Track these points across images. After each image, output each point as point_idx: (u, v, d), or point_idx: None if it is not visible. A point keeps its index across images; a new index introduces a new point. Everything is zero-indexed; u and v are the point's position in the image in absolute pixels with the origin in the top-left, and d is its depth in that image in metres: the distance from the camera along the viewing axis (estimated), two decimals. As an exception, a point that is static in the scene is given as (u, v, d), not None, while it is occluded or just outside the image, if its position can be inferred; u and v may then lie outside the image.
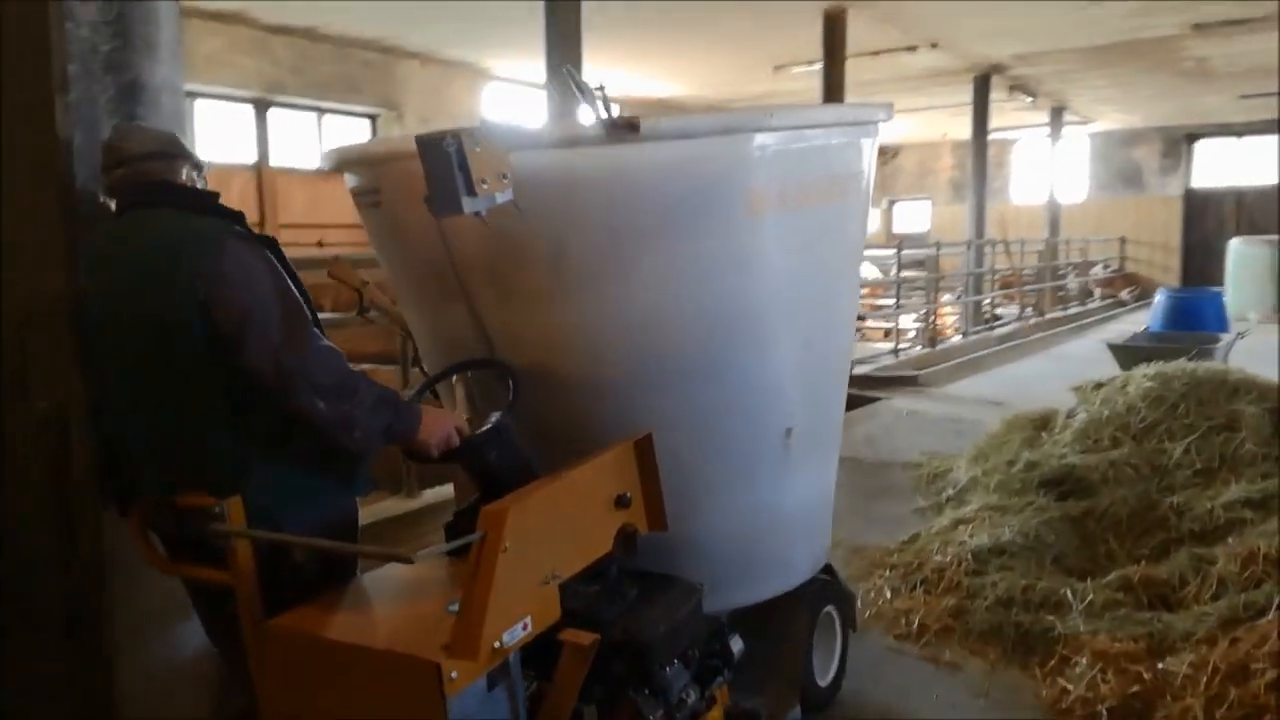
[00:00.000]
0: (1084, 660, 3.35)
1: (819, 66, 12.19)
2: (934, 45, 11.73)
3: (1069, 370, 10.01)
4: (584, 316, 2.61)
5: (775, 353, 2.81)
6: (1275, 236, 17.15)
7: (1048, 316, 15.77)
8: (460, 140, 2.12)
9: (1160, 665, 3.22)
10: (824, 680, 3.26)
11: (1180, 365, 5.15)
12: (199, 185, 2.46)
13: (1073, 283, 18.87)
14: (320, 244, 10.90)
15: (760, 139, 2.60)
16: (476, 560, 1.92)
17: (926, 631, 3.90)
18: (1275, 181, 19.82)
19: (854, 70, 10.76)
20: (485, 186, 2.17)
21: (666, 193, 2.53)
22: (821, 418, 3.07)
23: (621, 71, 13.22)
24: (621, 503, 2.39)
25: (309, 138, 12.29)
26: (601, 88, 2.59)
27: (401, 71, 12.38)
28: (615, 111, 2.60)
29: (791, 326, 2.83)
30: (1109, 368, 9.97)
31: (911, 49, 11.75)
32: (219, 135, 11.31)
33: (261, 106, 11.61)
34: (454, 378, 2.70)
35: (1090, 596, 3.79)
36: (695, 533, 2.69)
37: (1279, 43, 11.70)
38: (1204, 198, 20.81)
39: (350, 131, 12.47)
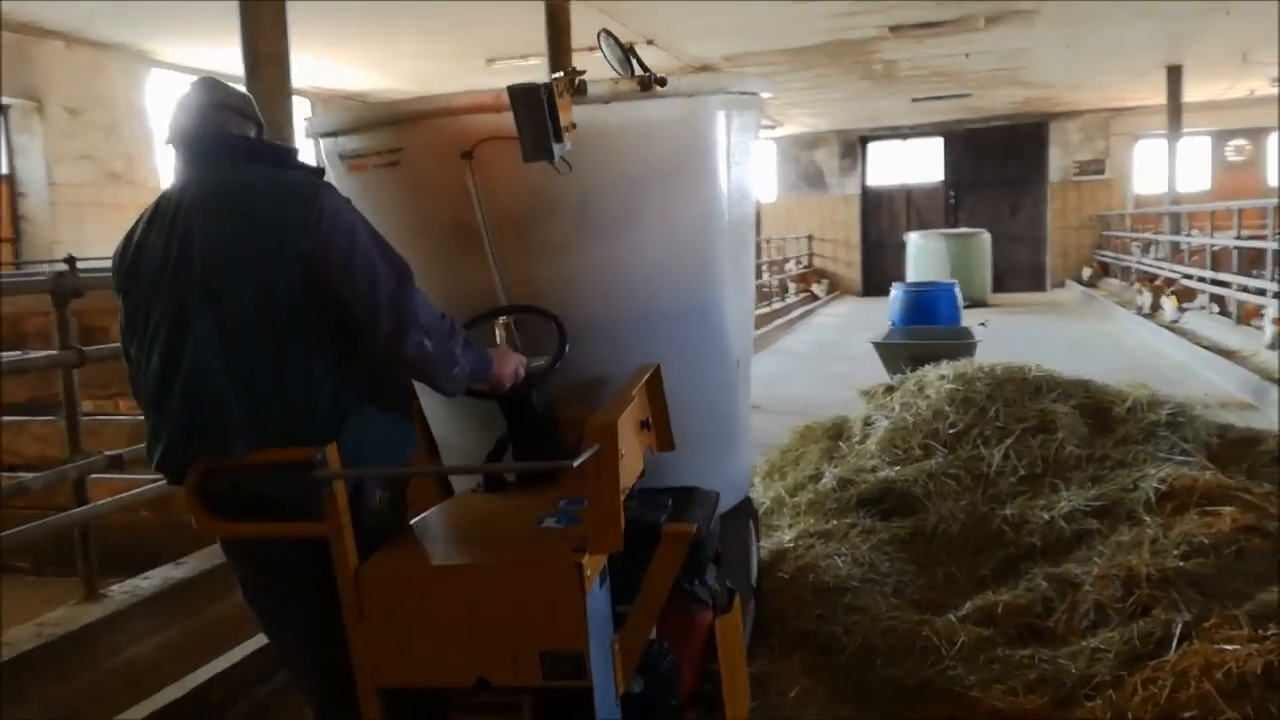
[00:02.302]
0: (983, 723, 2.88)
1: (533, 61, 11.57)
2: (650, 42, 11.41)
3: (815, 370, 10.06)
4: (603, 263, 2.91)
5: (726, 296, 3.24)
6: (945, 230, 18.66)
7: (756, 313, 16.08)
8: (551, 89, 2.35)
9: (1075, 723, 2.80)
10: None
11: (977, 364, 4.93)
12: None
13: (772, 279, 19.53)
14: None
15: (724, 98, 3.02)
16: (598, 467, 2.12)
17: (784, 699, 3.32)
18: (940, 179, 21.61)
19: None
20: (567, 134, 2.40)
21: (678, 144, 2.93)
22: (746, 353, 3.63)
23: (320, 61, 11.86)
24: (645, 426, 2.66)
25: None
26: (633, 47, 2.94)
27: (41, 54, 10.31)
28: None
29: (734, 273, 3.29)
30: (847, 365, 10.23)
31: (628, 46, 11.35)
32: None
33: None
34: (499, 320, 2.85)
35: (961, 638, 3.36)
36: (683, 449, 2.86)
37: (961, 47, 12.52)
38: (878, 196, 22.31)
39: (-28, 126, 10.26)
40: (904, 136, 21.84)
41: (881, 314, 15.83)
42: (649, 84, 2.71)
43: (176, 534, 5.30)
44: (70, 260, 3.94)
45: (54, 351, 3.85)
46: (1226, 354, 9.16)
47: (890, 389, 5.19)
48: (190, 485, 2.28)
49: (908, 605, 3.74)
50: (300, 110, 13.96)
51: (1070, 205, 20.83)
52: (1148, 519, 3.70)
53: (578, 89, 2.55)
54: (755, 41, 12.01)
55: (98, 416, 5.88)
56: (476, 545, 2.49)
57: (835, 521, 4.32)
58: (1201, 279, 11.46)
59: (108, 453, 3.89)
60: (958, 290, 8.09)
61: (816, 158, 22.22)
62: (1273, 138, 19.50)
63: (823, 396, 8.03)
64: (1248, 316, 10.22)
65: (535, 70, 11.58)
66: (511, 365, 2.58)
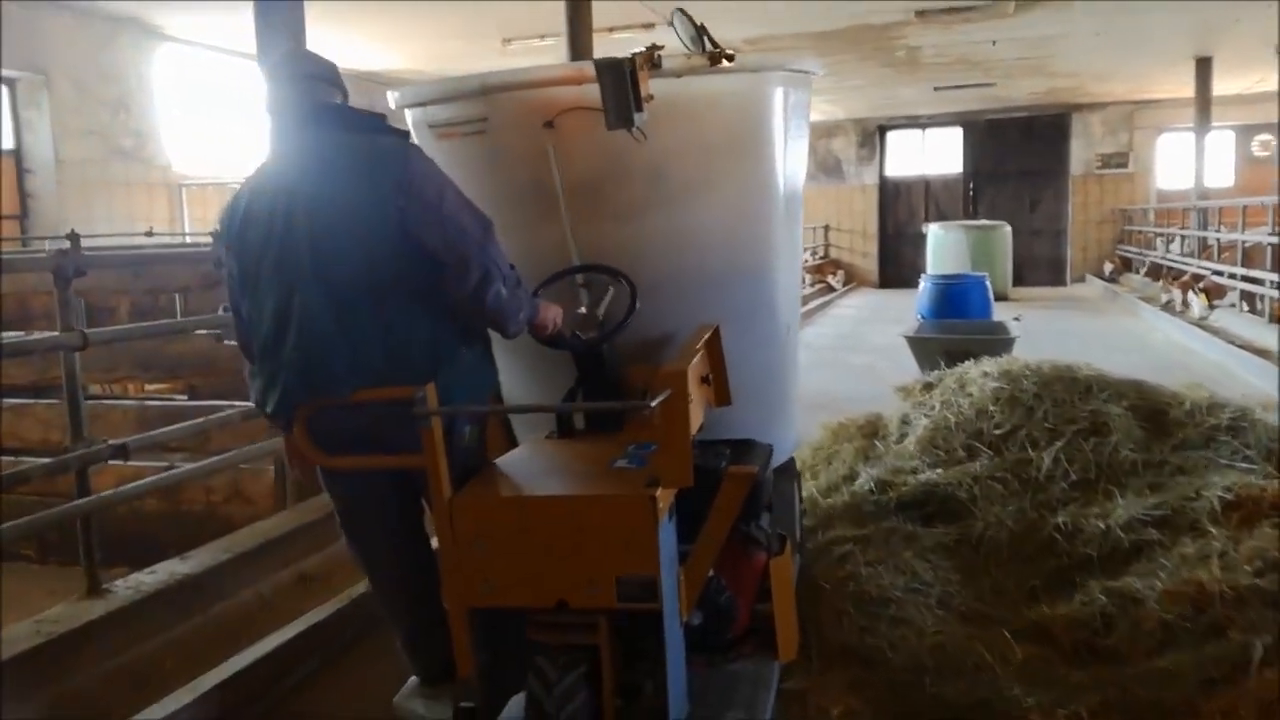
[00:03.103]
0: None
1: (550, 42, 11.33)
2: (671, 24, 11.13)
3: (837, 362, 9.81)
4: (672, 226, 3.13)
5: (779, 263, 3.44)
6: (965, 221, 18.36)
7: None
8: (634, 63, 2.55)
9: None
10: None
11: (1022, 361, 4.69)
12: None
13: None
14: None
15: (784, 75, 3.28)
16: (669, 409, 2.31)
17: (827, 718, 3.10)
18: (959, 170, 21.29)
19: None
20: (647, 105, 2.59)
21: (741, 117, 3.19)
22: (795, 318, 3.84)
23: (335, 37, 11.62)
24: (706, 381, 2.82)
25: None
26: (703, 26, 3.06)
27: (48, 27, 10.09)
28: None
29: (787, 242, 3.50)
30: (870, 358, 10.01)
31: (650, 26, 11.09)
32: None
33: None
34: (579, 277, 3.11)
35: (1017, 656, 3.15)
36: (737, 406, 3.03)
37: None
38: (896, 186, 22.01)
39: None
40: (923, 126, 21.53)
41: (900, 306, 15.62)
42: (718, 59, 2.95)
43: (184, 523, 5.14)
44: (73, 237, 3.73)
45: (55, 333, 3.64)
46: (1261, 353, 8.90)
47: (929, 385, 4.95)
48: (301, 422, 2.60)
49: (955, 618, 3.52)
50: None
51: (1092, 199, 20.52)
52: (1213, 530, 3.47)
53: (655, 64, 2.75)
54: (777, 25, 11.74)
55: (104, 401, 5.70)
56: (556, 480, 2.70)
57: (874, 526, 4.09)
58: (1232, 275, 11.18)
59: (111, 441, 3.69)
60: (989, 283, 7.82)
61: (834, 146, 21.91)
62: (1300, 133, 19.16)
63: (848, 391, 7.81)
64: (1277, 314, 9.97)
65: (552, 51, 11.34)
66: (551, 314, 2.86)
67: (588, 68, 2.71)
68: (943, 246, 16.78)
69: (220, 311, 5.08)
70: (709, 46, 3.05)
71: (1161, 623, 3.09)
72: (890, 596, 3.55)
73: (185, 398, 6.25)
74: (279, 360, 2.57)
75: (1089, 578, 3.55)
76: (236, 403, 4.94)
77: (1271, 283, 10.03)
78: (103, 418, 5.55)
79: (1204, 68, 14.96)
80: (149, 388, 6.71)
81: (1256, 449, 4.07)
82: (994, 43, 13.06)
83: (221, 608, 3.90)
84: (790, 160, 3.42)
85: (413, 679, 2.96)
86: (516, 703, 2.67)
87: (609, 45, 11.75)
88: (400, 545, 2.84)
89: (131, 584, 3.74)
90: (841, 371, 9.01)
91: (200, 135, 12.18)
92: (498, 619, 2.56)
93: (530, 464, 2.80)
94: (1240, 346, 9.34)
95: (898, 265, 21.48)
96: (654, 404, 2.28)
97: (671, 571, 2.44)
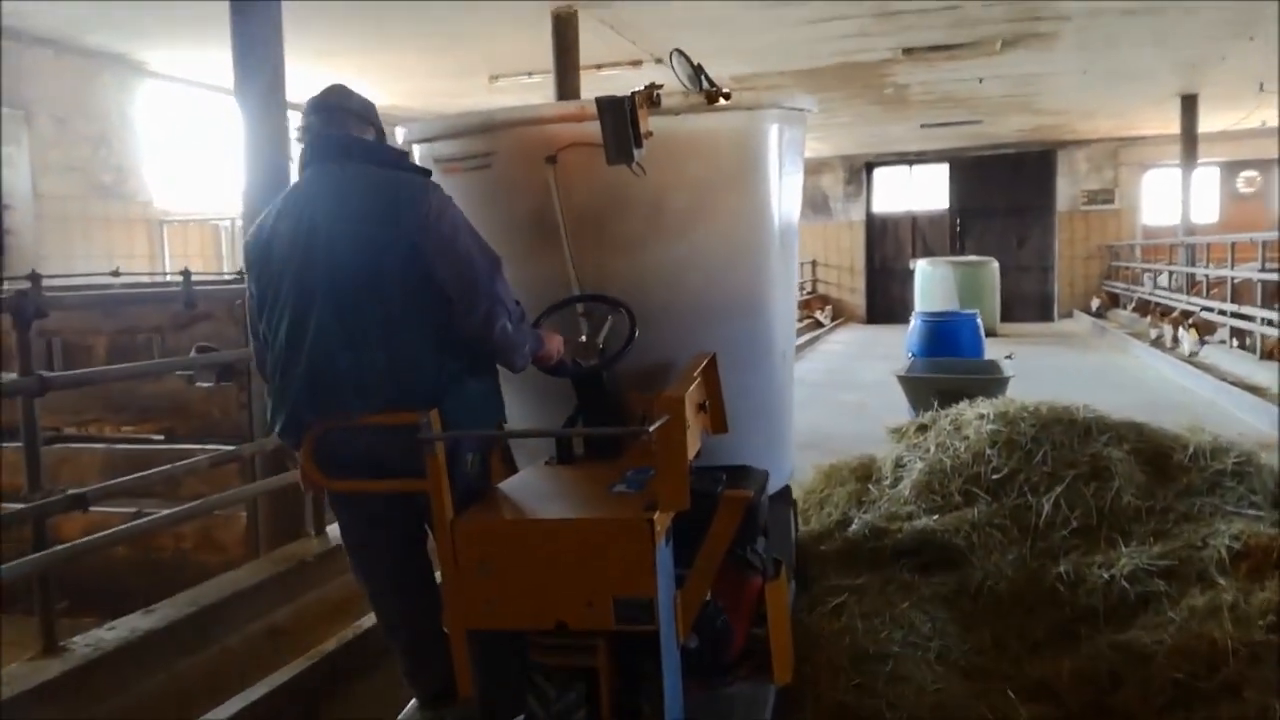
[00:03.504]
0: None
1: (537, 79, 11.29)
2: (659, 61, 11.11)
3: (827, 399, 9.67)
4: (670, 258, 3.26)
5: (774, 293, 3.59)
6: (953, 257, 18.35)
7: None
8: (633, 101, 2.72)
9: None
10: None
11: (1018, 403, 4.56)
12: None
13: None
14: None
15: (779, 113, 3.45)
16: (666, 434, 2.40)
17: (823, 791, 2.94)
18: (946, 206, 21.35)
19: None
20: (645, 141, 2.76)
21: (738, 152, 3.35)
22: (790, 347, 3.94)
23: (317, 73, 11.55)
24: (702, 409, 2.89)
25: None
26: (700, 66, 3.13)
27: (29, 63, 9.98)
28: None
29: (782, 272, 3.65)
30: (860, 394, 9.88)
31: (637, 64, 11.07)
32: None
33: None
34: (579, 307, 3.22)
35: (1022, 717, 2.99)
36: (733, 433, 3.15)
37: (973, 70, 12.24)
38: (883, 222, 22.03)
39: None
40: (910, 163, 21.60)
41: (889, 342, 15.55)
42: (714, 98, 3.08)
43: (154, 571, 4.94)
44: (34, 277, 3.58)
45: (14, 377, 3.48)
46: (1253, 390, 8.82)
47: (923, 427, 4.81)
48: (308, 444, 2.66)
49: (955, 673, 3.36)
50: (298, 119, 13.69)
51: (1078, 235, 20.56)
52: (1222, 581, 3.33)
53: (655, 102, 2.88)
54: (765, 63, 11.73)
55: (72, 445, 5.51)
56: (556, 504, 2.76)
57: (869, 574, 3.94)
58: (1222, 311, 11.13)
59: (71, 491, 3.52)
60: (979, 321, 7.72)
61: (821, 183, 21.92)
62: (1284, 169, 19.28)
63: (839, 429, 7.69)
64: (1273, 352, 9.89)
65: (539, 88, 11.30)
66: (556, 344, 2.95)
67: (589, 105, 2.82)
68: (931, 283, 16.75)
69: (192, 353, 4.93)
70: (706, 85, 3.15)
71: (1172, 681, 2.94)
72: (888, 651, 3.39)
73: (162, 438, 6.08)
74: (289, 380, 2.66)
75: (1093, 631, 3.41)
76: (209, 446, 4.78)
77: (1263, 319, 9.97)
78: (71, 461, 5.37)
79: (1189, 105, 15.03)
80: (123, 429, 6.52)
81: (1262, 494, 3.94)
82: (980, 80, 13.09)
83: (187, 664, 3.72)
84: (785, 195, 3.57)
85: (413, 702, 3.02)
86: None
87: (596, 82, 11.76)
88: (402, 568, 2.90)
89: (91, 641, 3.54)
90: (832, 409, 8.89)
91: (182, 171, 12.06)
92: (498, 641, 2.65)
93: (530, 488, 2.87)
94: (1232, 383, 9.26)
95: (885, 300, 21.46)
96: (652, 429, 2.37)
97: (669, 594, 2.51)
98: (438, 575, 2.69)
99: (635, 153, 2.73)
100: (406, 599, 2.91)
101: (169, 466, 4.00)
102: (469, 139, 3.28)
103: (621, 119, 2.71)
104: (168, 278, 10.54)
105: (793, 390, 4.01)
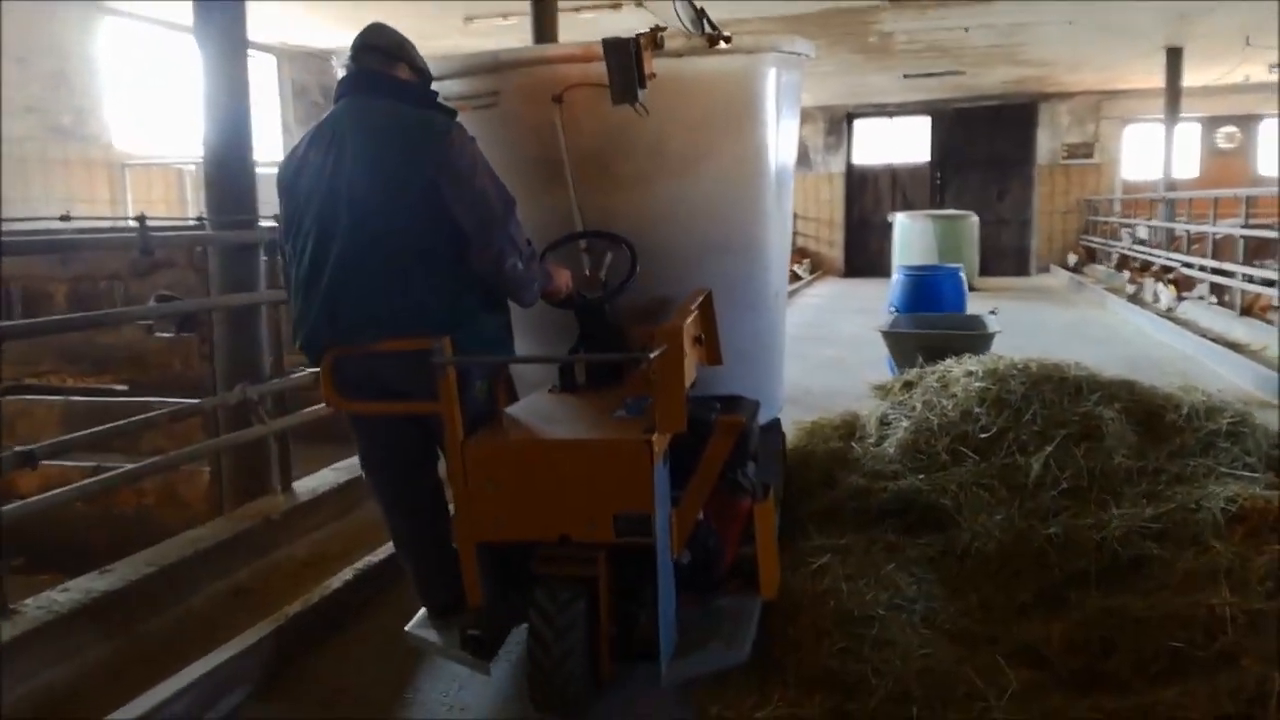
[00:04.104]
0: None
1: (513, 21, 10.98)
2: (639, 3, 10.81)
3: (806, 354, 9.53)
4: (673, 197, 3.38)
5: (770, 233, 3.73)
6: (932, 211, 18.20)
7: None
8: (639, 42, 2.83)
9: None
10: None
11: (1009, 360, 4.45)
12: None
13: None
14: None
15: (777, 56, 3.49)
16: (665, 362, 2.58)
17: (807, 754, 2.84)
18: (926, 159, 21.15)
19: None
20: (650, 82, 2.89)
21: (737, 95, 3.46)
22: (783, 285, 4.09)
23: (288, 12, 11.18)
24: (699, 341, 3.08)
25: None
26: (703, 9, 3.29)
27: (-17, -3, 9.55)
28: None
29: (777, 213, 3.78)
30: (839, 349, 9.77)
31: (616, 6, 10.75)
32: None
33: None
34: (582, 243, 3.39)
35: (1011, 684, 2.90)
36: (728, 365, 3.30)
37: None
38: (863, 175, 21.80)
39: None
40: (891, 114, 21.32)
41: (867, 295, 15.45)
42: (715, 41, 3.22)
43: (115, 527, 4.78)
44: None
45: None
46: (1233, 346, 8.78)
47: (909, 384, 4.70)
48: (326, 367, 2.84)
49: (941, 638, 3.27)
50: (266, 64, 13.30)
51: (1058, 189, 20.44)
52: (1218, 545, 3.24)
53: (658, 44, 2.99)
54: (746, 7, 11.42)
55: (27, 397, 5.31)
56: (561, 427, 2.93)
57: (853, 535, 3.84)
58: (1202, 268, 11.08)
59: (18, 448, 3.33)
60: (963, 275, 7.60)
61: (802, 134, 21.54)
62: (1264, 125, 19.21)
63: (819, 384, 7.58)
64: (1252, 308, 9.86)
65: (515, 30, 10.98)
66: (564, 279, 3.15)
67: (595, 46, 2.92)
68: (910, 236, 16.60)
69: (151, 302, 4.74)
70: (708, 29, 3.30)
71: (1168, 648, 2.85)
72: (873, 614, 3.28)
73: (125, 388, 5.89)
74: (310, 301, 2.83)
75: (1083, 594, 3.32)
76: (169, 400, 4.60)
77: (1243, 275, 9.91)
78: (27, 414, 5.18)
79: (1174, 58, 14.86)
80: (82, 380, 6.31)
81: (1257, 456, 3.86)
82: (967, 29, 12.84)
83: (147, 627, 3.57)
84: (782, 138, 3.70)
85: (422, 611, 3.20)
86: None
87: (575, 24, 11.43)
88: (414, 486, 3.11)
89: (43, 603, 3.39)
90: (812, 364, 8.77)
91: (145, 113, 11.67)
92: (504, 556, 2.85)
93: (536, 413, 3.05)
94: (1212, 339, 9.22)
95: (864, 254, 21.30)
96: (653, 356, 2.55)
97: (665, 510, 2.69)
98: (449, 499, 2.93)
99: (639, 93, 2.85)
100: (417, 518, 3.13)
101: (125, 422, 3.82)
102: (476, 78, 3.39)
103: (627, 60, 2.82)
104: (129, 223, 10.23)
105: (784, 329, 4.20)
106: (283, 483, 4.60)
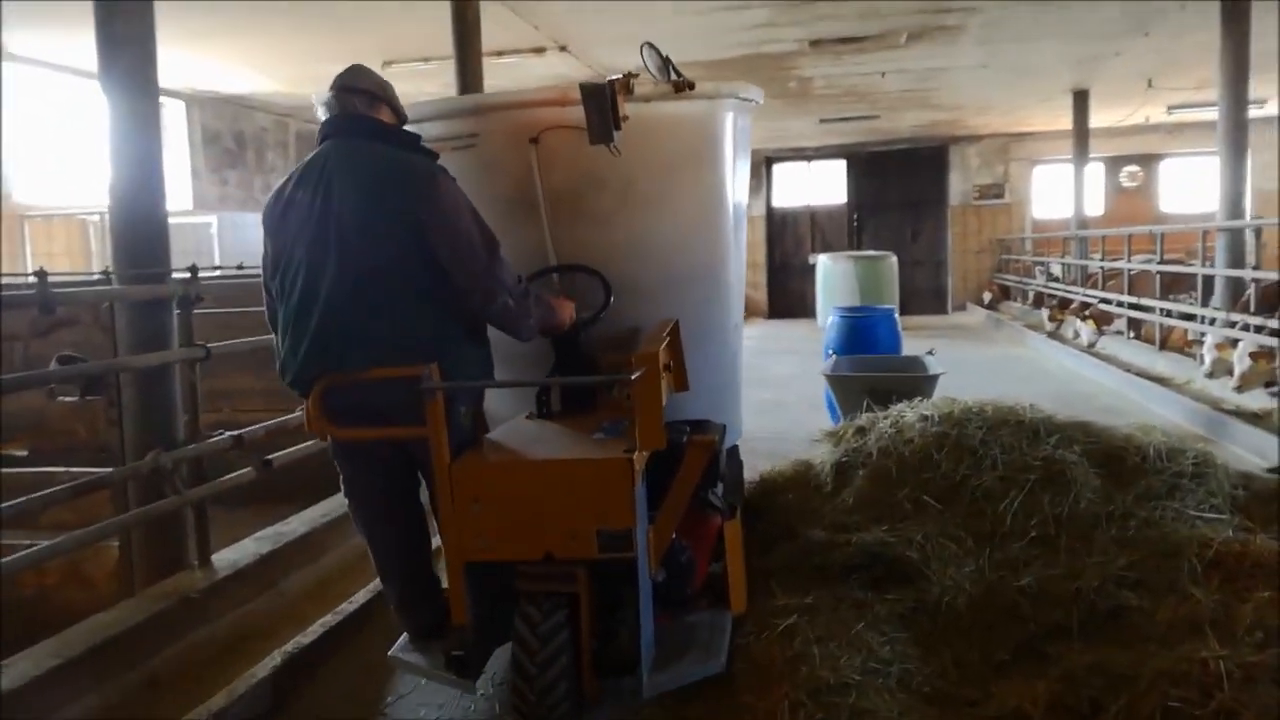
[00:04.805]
0: None
1: (434, 65, 10.81)
2: (563, 48, 10.72)
3: (744, 395, 9.37)
4: (639, 232, 3.65)
5: (729, 266, 3.98)
6: (853, 252, 18.43)
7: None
8: (614, 87, 3.05)
9: None
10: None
11: (963, 402, 4.35)
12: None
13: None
14: None
15: (734, 102, 3.81)
16: (644, 384, 2.76)
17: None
18: (843, 201, 21.47)
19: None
20: (622, 124, 3.10)
21: (701, 133, 3.73)
22: (740, 316, 4.27)
23: (195, 53, 10.80)
24: (668, 368, 3.19)
25: None
26: (669, 57, 3.63)
27: None
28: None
29: (735, 248, 4.03)
30: (776, 392, 9.66)
31: (540, 51, 10.65)
32: None
33: None
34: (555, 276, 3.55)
35: (1002, 752, 2.73)
36: (692, 392, 3.46)
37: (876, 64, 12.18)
38: (783, 217, 22.02)
39: None
40: (808, 158, 21.64)
41: (793, 336, 15.52)
42: (681, 87, 3.46)
43: (11, 613, 4.35)
44: None
45: None
46: (1159, 381, 8.92)
47: (861, 430, 4.56)
48: (316, 395, 2.96)
49: (920, 702, 3.10)
50: (175, 110, 12.84)
51: (970, 229, 20.91)
52: (1198, 593, 3.14)
53: (629, 89, 3.21)
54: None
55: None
56: (543, 448, 3.06)
57: (819, 592, 3.66)
58: (1120, 303, 11.31)
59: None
60: (897, 316, 7.58)
61: (721, 177, 21.75)
62: (1164, 164, 19.97)
63: (759, 428, 7.40)
64: (1170, 342, 10.06)
65: (435, 75, 10.80)
66: (568, 311, 3.32)
67: (570, 90, 3.14)
68: (833, 277, 16.74)
69: (53, 364, 4.37)
70: (673, 76, 3.54)
71: (1165, 708, 2.71)
72: (848, 681, 3.10)
73: (26, 453, 5.45)
74: (301, 334, 2.96)
75: (1063, 649, 3.18)
76: (74, 470, 4.22)
77: (1161, 310, 10.13)
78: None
79: (1081, 100, 15.34)
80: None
81: (1221, 496, 3.80)
82: (883, 74, 13.06)
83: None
84: (738, 177, 3.97)
85: (403, 636, 3.30)
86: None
87: (498, 69, 11.28)
88: (397, 513, 3.25)
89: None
90: (751, 408, 8.50)
91: (46, 163, 11.12)
92: (488, 575, 2.94)
93: (517, 437, 3.20)
94: (1136, 374, 9.36)
95: (787, 296, 21.45)
96: (634, 377, 2.74)
97: (643, 526, 2.83)
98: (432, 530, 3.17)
99: (614, 134, 3.06)
100: (401, 542, 3.27)
101: (24, 499, 3.45)
102: (456, 120, 3.62)
103: (603, 103, 3.02)
104: (28, 279, 9.67)
105: (742, 359, 4.42)
106: (200, 556, 4.24)
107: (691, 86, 3.44)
